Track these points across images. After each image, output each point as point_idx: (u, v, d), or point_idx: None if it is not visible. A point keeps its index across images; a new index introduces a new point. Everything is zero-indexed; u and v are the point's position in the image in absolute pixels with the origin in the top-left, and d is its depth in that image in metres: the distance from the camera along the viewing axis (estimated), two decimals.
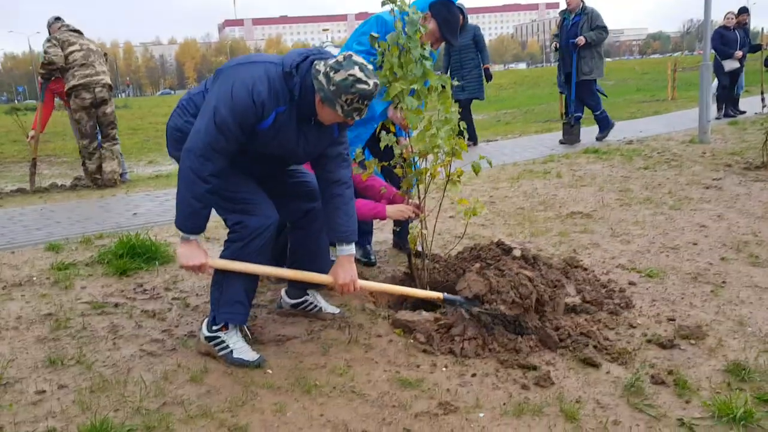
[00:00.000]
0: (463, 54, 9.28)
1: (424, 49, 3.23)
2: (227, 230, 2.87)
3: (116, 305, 3.45)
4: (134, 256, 4.02)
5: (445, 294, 3.15)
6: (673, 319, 3.26)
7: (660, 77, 24.42)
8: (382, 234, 4.79)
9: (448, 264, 3.90)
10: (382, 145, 3.34)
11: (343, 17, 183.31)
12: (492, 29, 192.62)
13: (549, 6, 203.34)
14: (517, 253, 3.78)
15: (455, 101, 8.77)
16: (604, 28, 8.83)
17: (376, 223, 4.55)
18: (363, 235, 4.22)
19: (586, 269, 3.94)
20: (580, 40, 8.67)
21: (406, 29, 3.18)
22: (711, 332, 3.10)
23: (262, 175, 2.94)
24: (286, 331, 3.12)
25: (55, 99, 8.20)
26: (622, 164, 7.34)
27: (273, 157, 2.83)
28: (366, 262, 4.09)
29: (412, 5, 3.65)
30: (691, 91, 18.09)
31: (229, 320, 2.80)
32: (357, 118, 2.63)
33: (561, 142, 9.35)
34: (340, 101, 2.53)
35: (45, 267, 4.11)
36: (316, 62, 2.59)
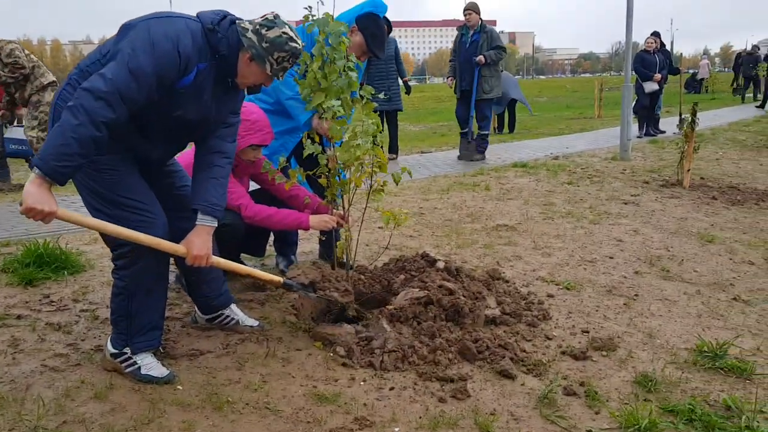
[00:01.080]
0: (389, 65, 9.27)
1: (349, 60, 3.22)
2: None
3: (19, 317, 3.27)
4: (42, 265, 3.81)
5: (285, 279, 3.12)
6: (587, 331, 3.34)
7: (589, 95, 25.26)
8: (309, 244, 4.74)
9: (374, 275, 3.88)
10: (305, 153, 3.30)
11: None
12: (432, 43, 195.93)
13: (488, 23, 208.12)
14: (440, 265, 3.81)
15: (380, 112, 8.78)
16: (504, 48, 8.99)
17: (302, 233, 4.49)
18: (288, 246, 4.16)
19: (507, 281, 3.99)
20: (481, 59, 8.71)
21: (330, 40, 3.16)
22: (622, 344, 3.19)
23: (152, 168, 2.76)
24: (201, 345, 3.02)
25: None
26: (548, 179, 7.53)
27: (178, 128, 2.60)
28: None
29: (338, 18, 3.66)
30: (616, 110, 18.65)
31: (145, 349, 2.67)
32: (280, 79, 2.62)
33: (460, 158, 9.39)
34: (271, 59, 2.52)
35: None
36: (238, 21, 2.55)
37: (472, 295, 3.54)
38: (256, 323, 3.22)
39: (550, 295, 3.83)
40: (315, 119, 3.69)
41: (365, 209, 3.49)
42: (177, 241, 2.65)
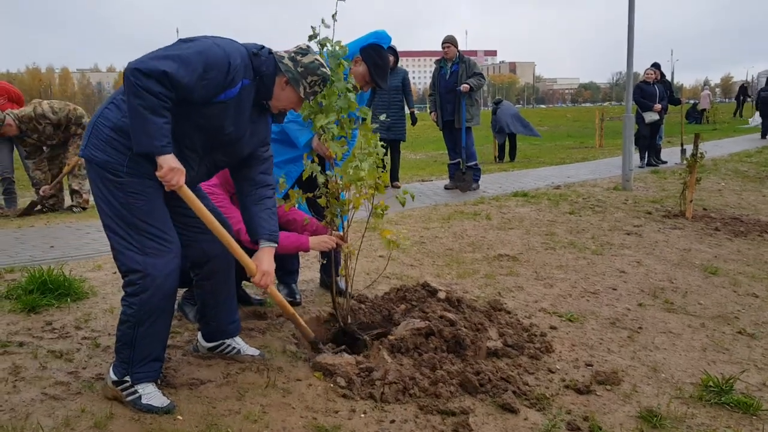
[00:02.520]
0: (392, 95, 9.34)
1: (348, 82, 3.26)
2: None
3: (21, 344, 3.25)
4: (45, 291, 3.80)
5: (317, 340, 3.28)
6: (591, 365, 3.31)
7: (589, 125, 25.44)
8: (310, 272, 4.73)
9: (374, 304, 3.88)
10: (305, 174, 3.33)
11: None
12: (431, 72, 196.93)
13: (487, 53, 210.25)
14: (441, 295, 3.80)
15: (381, 140, 8.72)
16: (482, 75, 9.05)
17: (303, 260, 4.49)
18: (289, 274, 4.16)
19: (509, 312, 3.98)
20: (465, 87, 8.74)
21: (329, 62, 3.20)
22: (626, 378, 3.17)
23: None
24: (201, 374, 3.00)
25: None
26: (549, 208, 7.54)
27: (214, 145, 2.76)
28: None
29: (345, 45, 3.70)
30: (617, 140, 18.82)
31: (144, 380, 2.68)
32: (310, 102, 3.00)
33: (446, 188, 9.36)
34: (305, 82, 2.81)
35: None
36: (275, 51, 2.84)
37: (473, 327, 3.53)
38: (257, 353, 3.20)
39: (552, 327, 3.81)
40: (315, 140, 3.71)
41: (364, 233, 3.49)
42: (199, 260, 2.95)
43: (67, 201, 8.06)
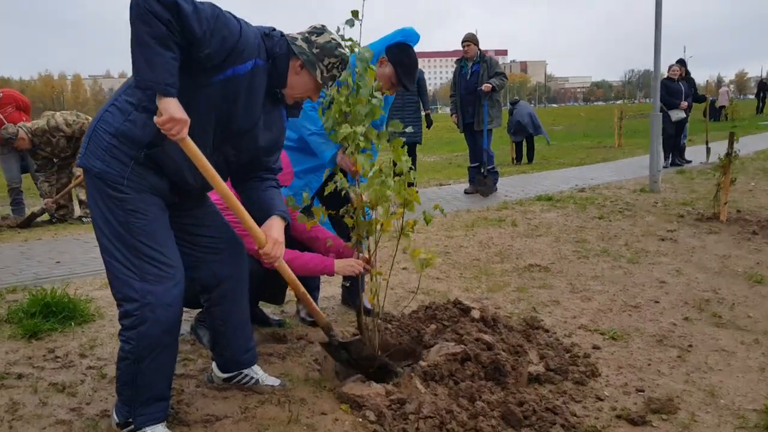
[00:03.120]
0: (407, 97, 9.04)
1: (374, 88, 2.97)
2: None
3: (20, 376, 2.98)
4: (48, 315, 3.52)
5: (331, 327, 2.96)
6: (642, 390, 3.02)
7: (604, 124, 25.06)
8: (331, 288, 4.44)
9: (402, 324, 3.60)
10: (327, 189, 3.05)
11: None
12: (443, 73, 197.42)
13: (498, 53, 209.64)
14: (475, 314, 3.52)
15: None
16: (504, 74, 8.71)
17: (323, 277, 4.21)
18: (309, 291, 3.85)
19: (548, 331, 3.69)
20: (487, 86, 8.42)
21: (356, 66, 2.91)
22: (682, 405, 2.88)
23: (192, 205, 2.63)
24: (217, 408, 2.72)
25: None
26: (577, 213, 7.22)
27: (224, 136, 2.47)
28: (310, 322, 3.73)
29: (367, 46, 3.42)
30: (636, 138, 18.50)
31: (149, 422, 2.39)
32: (328, 90, 2.69)
33: (466, 192, 9.08)
34: (322, 65, 2.53)
35: None
36: (286, 33, 2.57)
37: (512, 349, 3.24)
38: (277, 382, 2.92)
39: (595, 347, 3.51)
40: (339, 154, 3.44)
41: (395, 255, 3.19)
42: (209, 283, 2.69)
43: (77, 211, 7.85)
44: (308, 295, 2.81)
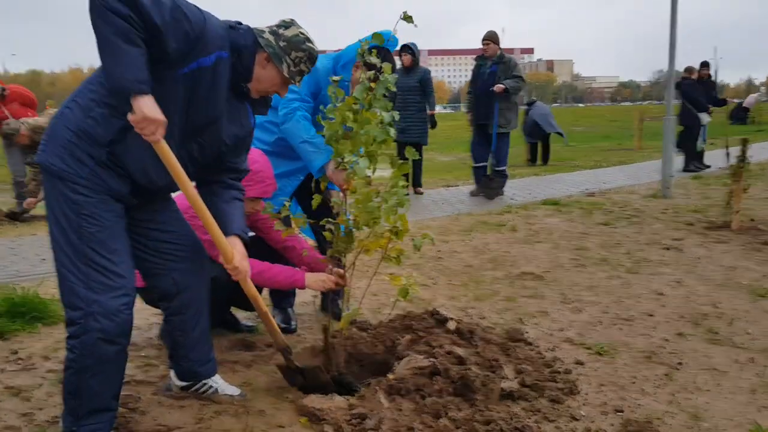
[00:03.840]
0: (408, 96, 8.83)
1: (385, 113, 2.84)
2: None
3: None
4: (16, 315, 3.48)
5: (287, 348, 2.87)
6: (621, 411, 2.87)
7: (628, 125, 24.61)
8: (308, 294, 4.32)
9: (377, 333, 3.48)
10: (315, 204, 2.94)
11: (321, 51, 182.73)
12: (467, 71, 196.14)
13: (524, 51, 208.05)
14: (451, 325, 3.39)
15: (397, 144, 8.18)
16: (521, 78, 8.52)
17: None
18: (284, 297, 3.79)
19: (530, 344, 3.54)
20: (499, 87, 8.24)
21: (375, 88, 2.79)
22: (662, 427, 2.73)
23: (156, 202, 2.55)
24: (171, 418, 2.63)
25: None
26: (581, 219, 7.04)
27: (186, 130, 2.38)
28: (284, 329, 3.63)
29: (345, 51, 3.32)
30: (656, 141, 18.09)
31: None
32: (297, 84, 2.59)
33: (472, 194, 8.93)
34: (289, 59, 2.48)
35: None
36: (254, 27, 2.52)
37: (486, 364, 3.11)
38: (237, 392, 2.83)
39: (578, 362, 3.36)
40: (331, 167, 3.29)
41: (373, 276, 3.08)
42: (168, 292, 2.61)
43: None
44: (269, 315, 2.74)
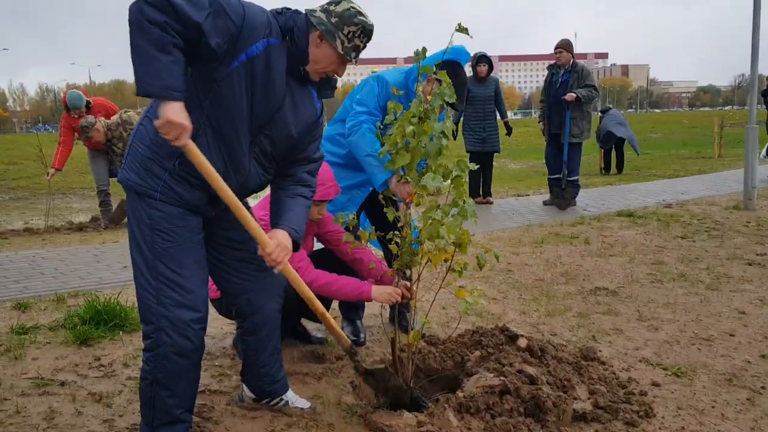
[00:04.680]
0: (486, 105, 8.87)
1: (444, 125, 2.84)
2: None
3: (62, 384, 3.07)
4: (99, 322, 3.65)
5: (352, 348, 2.81)
6: None
7: (708, 132, 23.64)
8: (376, 306, 4.31)
9: (446, 348, 3.46)
10: (390, 217, 2.95)
11: (392, 60, 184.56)
12: (538, 77, 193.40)
13: (598, 56, 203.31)
14: (522, 343, 3.33)
15: (473, 153, 8.13)
16: (594, 87, 8.27)
17: None
18: (353, 309, 3.82)
19: (604, 363, 3.45)
20: (570, 96, 8.08)
21: (430, 100, 2.79)
22: None
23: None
24: (243, 428, 2.70)
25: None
26: (658, 231, 6.79)
27: (257, 123, 2.39)
28: (354, 341, 3.66)
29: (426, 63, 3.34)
30: (738, 149, 17.33)
31: None
32: (353, 61, 2.50)
33: (545, 203, 8.82)
34: (342, 35, 2.42)
35: (3, 330, 3.77)
36: (306, 9, 2.49)
37: (558, 383, 3.04)
38: (307, 405, 2.87)
39: (655, 384, 3.24)
40: (393, 180, 3.33)
41: (438, 290, 3.06)
42: (243, 311, 2.67)
43: None
44: (328, 315, 2.70)
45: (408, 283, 3.10)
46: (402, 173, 2.91)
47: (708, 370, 3.42)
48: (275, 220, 2.55)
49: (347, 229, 3.28)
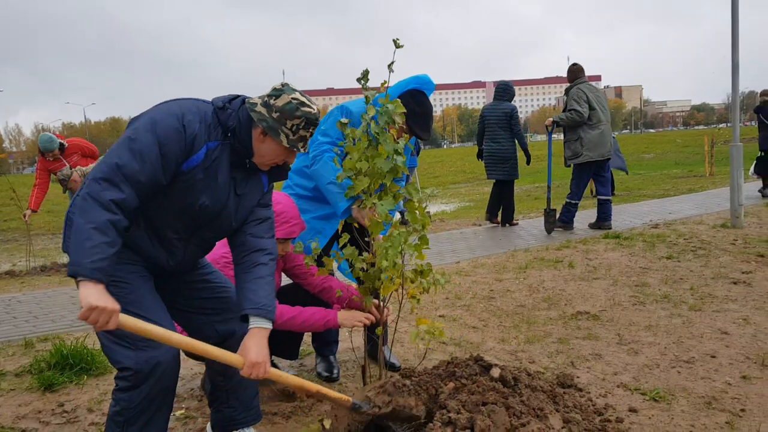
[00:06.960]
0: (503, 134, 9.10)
1: (397, 143, 2.83)
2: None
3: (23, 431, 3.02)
4: (65, 366, 3.58)
5: (354, 401, 2.68)
6: None
7: (701, 150, 23.69)
8: (357, 338, 4.26)
9: (421, 381, 3.39)
10: (341, 242, 2.93)
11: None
12: (534, 101, 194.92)
13: (591, 78, 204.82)
14: (495, 372, 3.26)
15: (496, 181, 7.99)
16: (574, 110, 8.19)
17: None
18: (326, 345, 3.76)
19: (581, 389, 3.38)
20: (548, 121, 8.36)
21: (378, 119, 2.79)
22: None
23: (183, 275, 2.57)
24: None
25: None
26: (643, 253, 6.75)
27: (195, 222, 2.40)
28: (327, 377, 3.59)
29: (381, 94, 3.33)
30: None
31: None
32: (302, 150, 2.41)
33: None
34: (285, 129, 2.35)
35: None
36: (247, 98, 2.43)
37: (531, 413, 2.97)
38: None
39: (632, 410, 3.18)
40: (355, 207, 3.31)
41: (397, 320, 3.02)
42: (213, 342, 2.47)
43: None
44: (323, 390, 2.60)
45: (376, 301, 3.06)
46: (361, 198, 2.89)
47: (687, 393, 3.35)
48: (240, 303, 2.44)
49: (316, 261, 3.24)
